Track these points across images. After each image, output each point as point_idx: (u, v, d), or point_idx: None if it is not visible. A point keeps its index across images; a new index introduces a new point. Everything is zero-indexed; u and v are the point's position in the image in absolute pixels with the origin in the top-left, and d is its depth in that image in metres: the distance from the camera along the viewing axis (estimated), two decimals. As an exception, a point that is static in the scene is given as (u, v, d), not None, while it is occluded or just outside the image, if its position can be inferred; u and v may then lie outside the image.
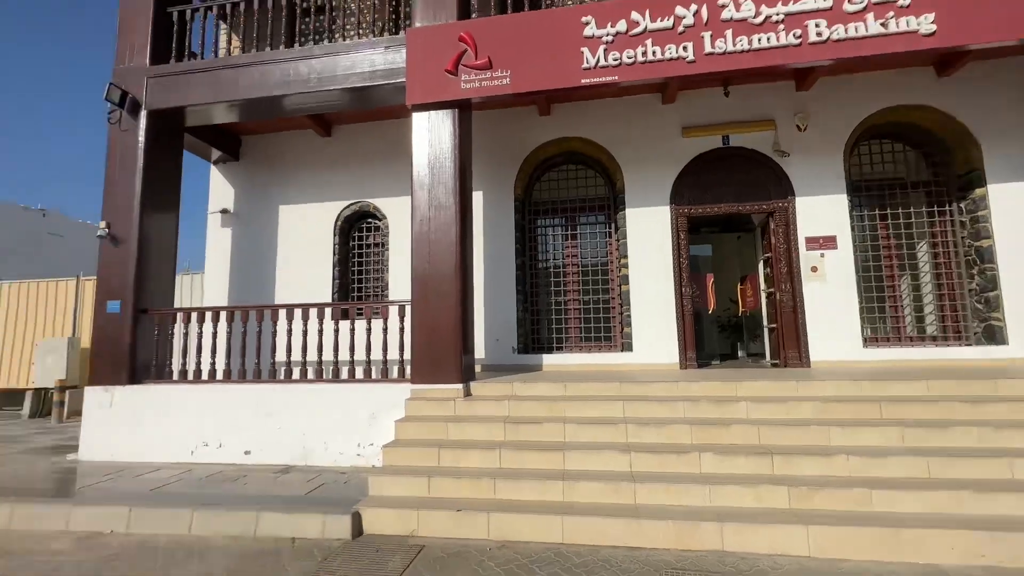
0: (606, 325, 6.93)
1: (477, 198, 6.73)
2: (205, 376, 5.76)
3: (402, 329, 5.32)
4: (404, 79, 5.41)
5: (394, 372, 5.45)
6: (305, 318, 5.56)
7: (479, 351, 6.58)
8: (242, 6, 6.15)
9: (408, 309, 5.29)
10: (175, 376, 5.85)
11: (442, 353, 5.06)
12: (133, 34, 6.19)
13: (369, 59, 5.60)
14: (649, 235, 6.68)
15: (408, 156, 5.46)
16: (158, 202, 6.13)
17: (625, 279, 6.73)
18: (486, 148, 6.91)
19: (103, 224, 5.87)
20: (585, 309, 7.02)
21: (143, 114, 6.02)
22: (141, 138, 5.99)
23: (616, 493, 3.70)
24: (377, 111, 6.95)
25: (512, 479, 3.87)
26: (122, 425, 5.57)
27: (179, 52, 6.25)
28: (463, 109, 5.45)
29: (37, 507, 3.96)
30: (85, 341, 8.72)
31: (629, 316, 6.65)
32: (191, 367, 5.80)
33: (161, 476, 4.81)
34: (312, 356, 5.57)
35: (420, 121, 5.40)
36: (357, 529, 3.63)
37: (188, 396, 5.57)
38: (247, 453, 5.29)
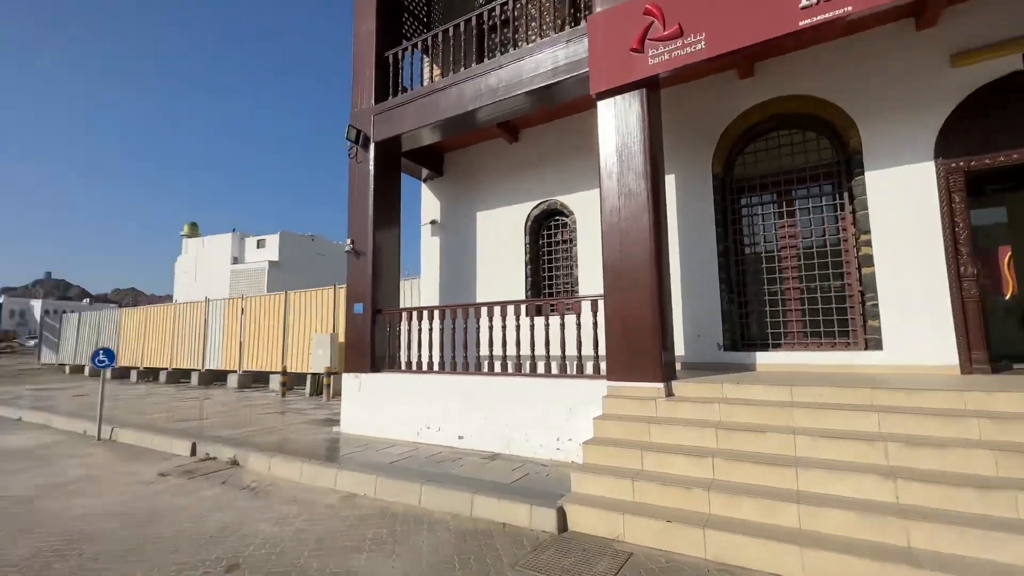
0: (841, 318, 5.66)
1: (669, 182, 6.22)
2: (424, 367, 6.57)
3: (595, 324, 5.20)
4: (587, 69, 5.28)
5: (588, 368, 5.37)
6: (503, 315, 5.87)
7: (678, 347, 6.07)
8: (440, 36, 6.86)
9: (600, 304, 5.14)
10: (403, 367, 6.81)
11: (638, 349, 4.76)
12: (362, 81, 7.43)
13: (552, 56, 5.63)
14: (903, 202, 5.24)
15: (590, 149, 5.33)
16: (385, 219, 7.24)
17: (867, 260, 5.40)
18: (676, 127, 6.35)
19: (349, 241, 7.20)
20: (810, 299, 5.84)
21: (371, 146, 7.18)
22: (371, 167, 7.15)
23: (877, 530, 2.92)
24: (559, 109, 7.01)
25: (729, 493, 3.39)
26: (367, 406, 6.71)
27: (394, 88, 7.28)
28: (651, 88, 5.06)
29: (316, 467, 5.00)
30: (341, 336, 10.91)
31: (875, 306, 5.32)
32: (414, 359, 6.68)
33: (396, 452, 5.63)
34: (511, 351, 5.86)
35: (605, 109, 5.20)
36: (562, 524, 3.63)
37: (412, 384, 6.41)
38: (460, 438, 5.83)
